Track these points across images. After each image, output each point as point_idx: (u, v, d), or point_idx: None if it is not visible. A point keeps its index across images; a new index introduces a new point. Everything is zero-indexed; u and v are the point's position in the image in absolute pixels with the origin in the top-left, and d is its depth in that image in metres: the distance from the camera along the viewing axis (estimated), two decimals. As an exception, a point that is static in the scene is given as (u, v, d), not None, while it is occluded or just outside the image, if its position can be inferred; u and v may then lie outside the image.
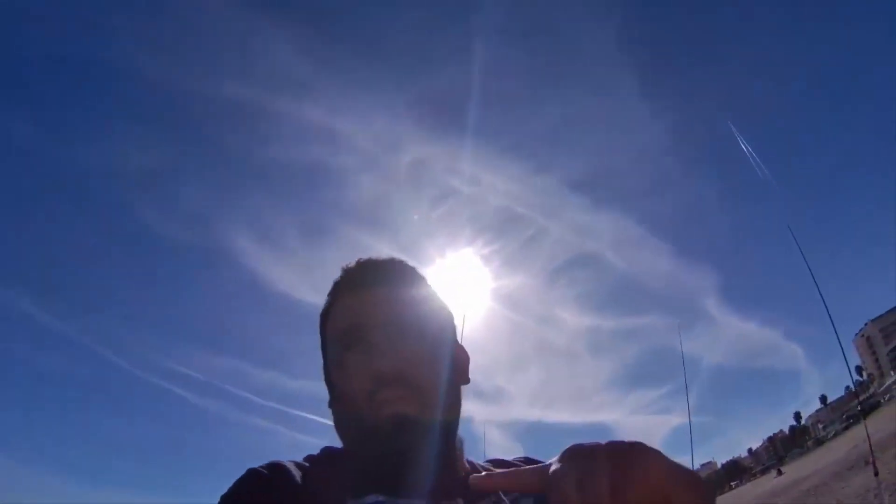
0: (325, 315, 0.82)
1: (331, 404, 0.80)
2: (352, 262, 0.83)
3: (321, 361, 0.85)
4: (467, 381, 0.83)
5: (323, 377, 0.83)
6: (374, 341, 0.73)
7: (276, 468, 0.70)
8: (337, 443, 0.81)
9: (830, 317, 7.27)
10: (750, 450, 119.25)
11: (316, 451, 0.79)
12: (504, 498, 0.71)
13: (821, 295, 7.40)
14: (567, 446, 0.49)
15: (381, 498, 0.66)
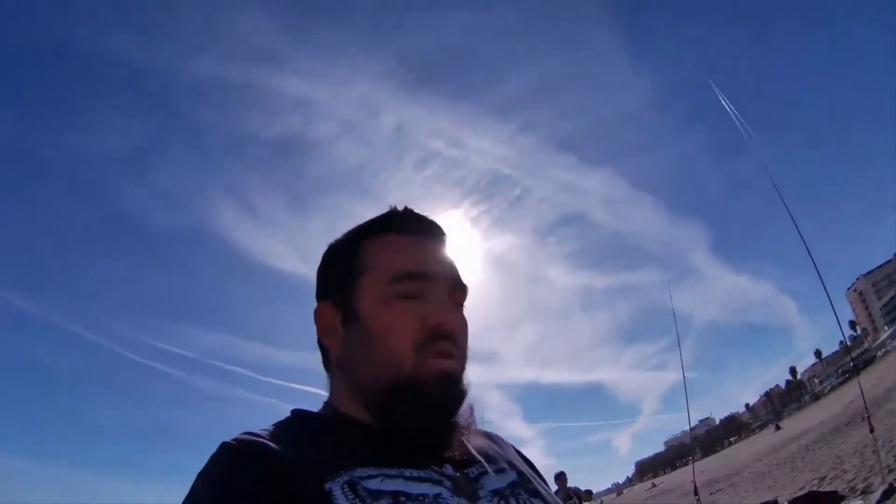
0: (360, 245, 0.76)
1: (341, 355, 0.75)
2: (404, 206, 0.80)
3: (317, 287, 0.80)
4: None
5: (328, 317, 0.76)
6: (438, 295, 0.72)
7: (251, 441, 0.64)
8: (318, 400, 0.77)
9: (818, 270, 7.37)
10: (747, 405, 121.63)
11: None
12: (489, 467, 0.71)
13: (807, 248, 7.46)
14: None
15: (372, 470, 0.61)
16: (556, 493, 5.14)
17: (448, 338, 0.70)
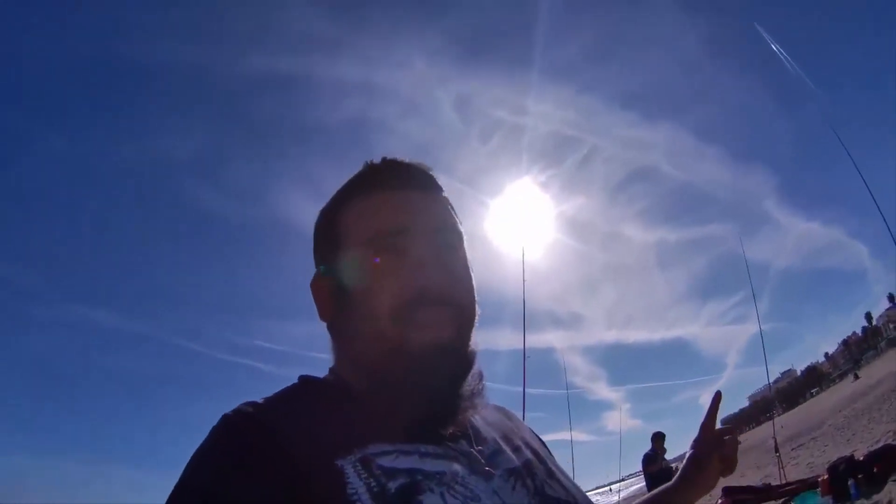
0: (338, 211, 0.71)
1: (334, 326, 0.71)
2: (377, 159, 0.72)
3: (312, 270, 0.74)
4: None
5: (320, 289, 0.72)
6: (418, 251, 0.65)
7: (256, 414, 0.59)
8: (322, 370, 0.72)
9: (882, 214, 6.84)
10: (826, 354, 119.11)
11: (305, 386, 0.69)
12: (504, 445, 0.69)
13: (870, 192, 7.08)
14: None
15: (386, 446, 0.57)
16: (653, 452, 7.64)
17: (437, 302, 0.63)
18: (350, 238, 0.68)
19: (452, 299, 0.65)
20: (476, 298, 0.70)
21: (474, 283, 0.71)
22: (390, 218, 0.67)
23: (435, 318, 0.63)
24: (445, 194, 0.74)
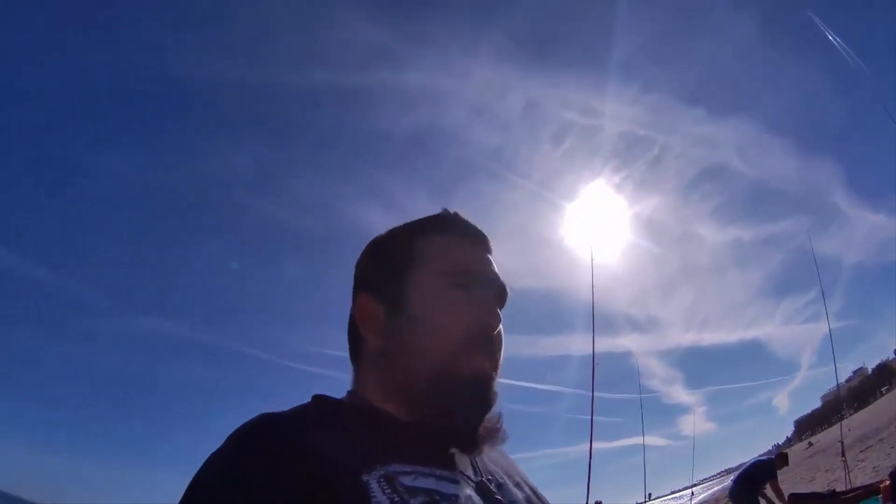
0: (414, 239, 0.77)
1: (383, 346, 0.72)
2: (455, 211, 0.81)
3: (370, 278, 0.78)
4: None
5: (372, 312, 0.74)
6: (485, 294, 0.72)
7: (280, 424, 0.60)
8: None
9: None
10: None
11: (318, 404, 0.70)
12: (507, 479, 0.72)
13: None
14: None
15: (406, 467, 0.59)
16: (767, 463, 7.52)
17: (490, 341, 0.70)
18: (428, 267, 0.73)
19: (498, 341, 0.72)
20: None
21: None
22: (467, 260, 0.75)
23: (487, 353, 0.70)
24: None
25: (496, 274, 0.77)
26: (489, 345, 0.71)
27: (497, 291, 0.75)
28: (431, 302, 0.71)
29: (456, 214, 0.81)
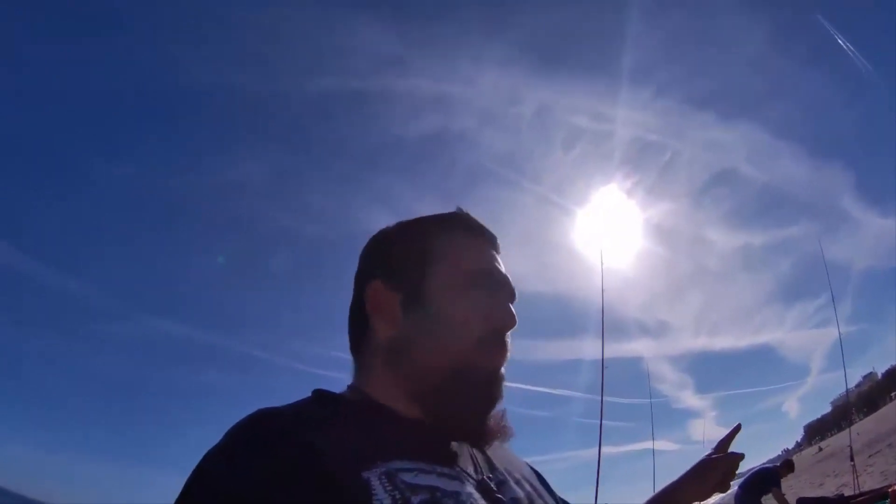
0: (434, 234, 0.76)
1: (395, 328, 0.71)
2: (467, 212, 0.82)
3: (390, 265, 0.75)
4: None
5: (387, 299, 0.73)
6: (503, 294, 0.74)
7: (281, 419, 0.60)
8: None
9: None
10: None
11: (320, 398, 0.69)
12: (508, 476, 0.72)
13: None
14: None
15: (407, 464, 0.58)
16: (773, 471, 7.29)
17: (505, 339, 0.72)
18: (448, 262, 0.73)
19: (508, 346, 0.73)
20: None
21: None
22: (485, 259, 0.76)
23: (503, 353, 0.72)
24: None
25: (507, 275, 0.78)
26: (505, 344, 0.72)
27: (509, 292, 0.76)
28: (453, 299, 0.70)
29: (469, 214, 0.81)
